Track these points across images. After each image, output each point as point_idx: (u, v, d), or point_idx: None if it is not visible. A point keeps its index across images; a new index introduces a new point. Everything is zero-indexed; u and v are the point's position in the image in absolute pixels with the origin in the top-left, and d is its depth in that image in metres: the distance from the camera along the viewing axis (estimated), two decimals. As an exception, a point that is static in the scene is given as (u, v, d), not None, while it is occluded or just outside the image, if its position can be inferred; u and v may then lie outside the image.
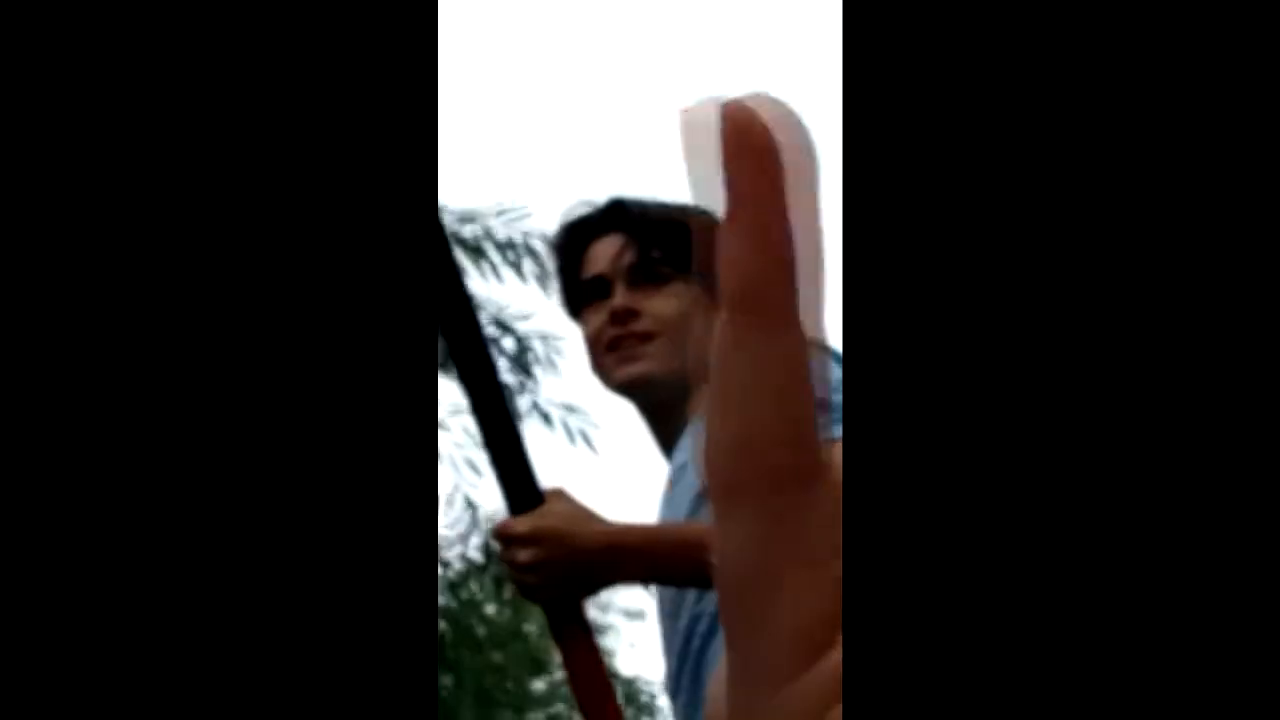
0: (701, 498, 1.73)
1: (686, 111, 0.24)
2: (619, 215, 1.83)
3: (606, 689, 1.44)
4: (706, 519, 1.71)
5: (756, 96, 0.24)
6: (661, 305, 1.78)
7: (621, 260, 1.79)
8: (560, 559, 1.51)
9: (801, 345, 0.25)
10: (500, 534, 1.55)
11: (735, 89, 0.24)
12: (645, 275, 1.79)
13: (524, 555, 1.53)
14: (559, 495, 1.58)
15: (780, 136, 0.24)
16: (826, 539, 0.25)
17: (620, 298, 1.77)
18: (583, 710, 1.43)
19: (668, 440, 1.83)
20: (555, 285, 1.90)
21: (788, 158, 0.24)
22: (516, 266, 7.02)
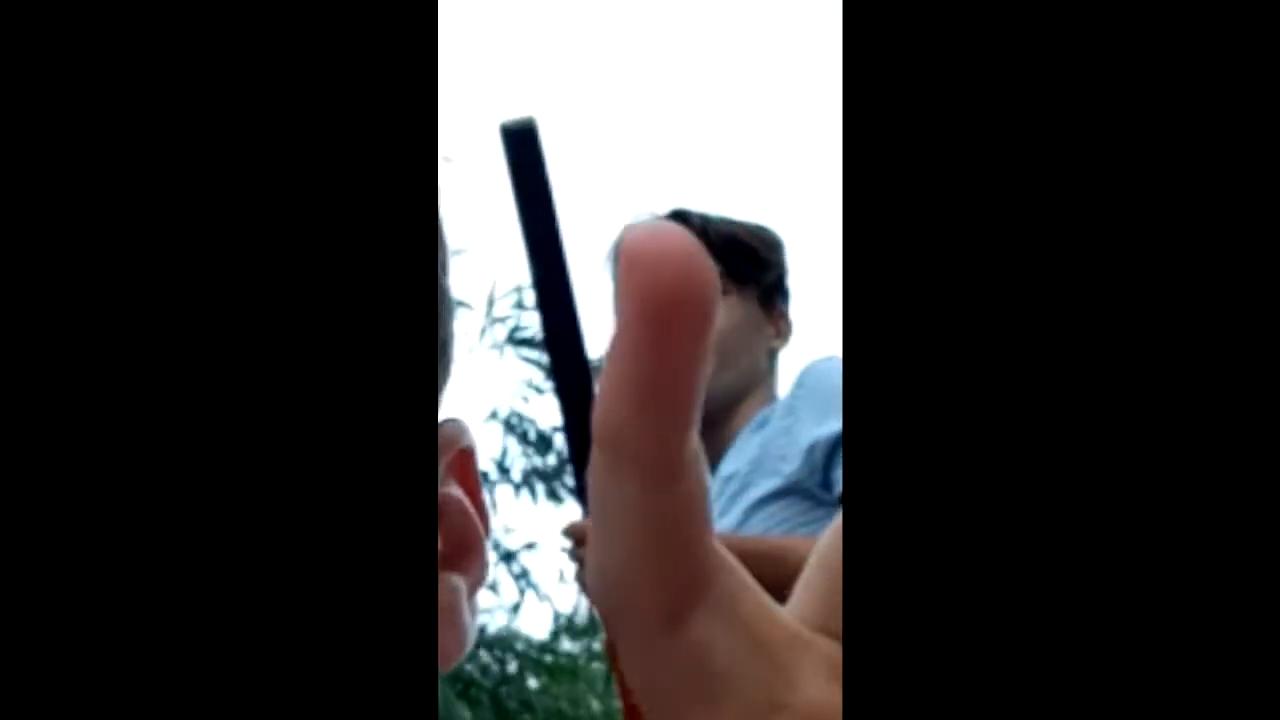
0: (753, 508, 1.73)
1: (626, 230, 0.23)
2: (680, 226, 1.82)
3: None
4: (757, 529, 1.70)
5: (656, 226, 0.22)
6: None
7: None
8: None
9: (673, 494, 0.24)
10: (575, 533, 1.52)
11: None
12: None
13: None
14: None
15: (672, 271, 0.22)
16: (715, 680, 0.25)
17: None
18: (628, 714, 1.42)
19: (714, 452, 1.83)
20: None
21: (673, 298, 0.22)
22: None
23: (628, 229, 0.22)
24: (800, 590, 0.27)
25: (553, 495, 7.41)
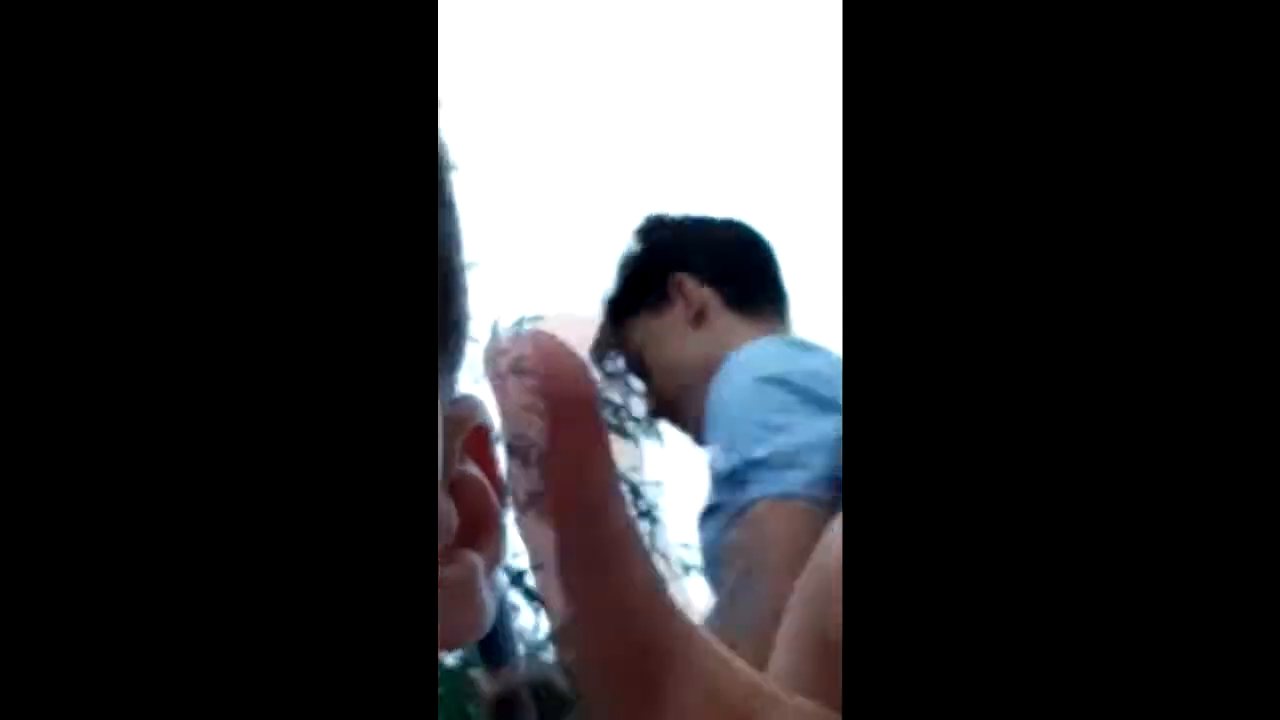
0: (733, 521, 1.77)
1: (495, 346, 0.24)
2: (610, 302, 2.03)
3: None
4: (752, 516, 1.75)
5: (539, 335, 0.24)
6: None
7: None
8: None
9: (603, 530, 0.24)
10: (493, 698, 1.60)
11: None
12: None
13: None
14: None
15: (569, 374, 0.24)
16: None
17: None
18: None
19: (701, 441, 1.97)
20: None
21: (573, 395, 0.24)
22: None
23: (522, 343, 0.25)
24: (779, 647, 0.27)
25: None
